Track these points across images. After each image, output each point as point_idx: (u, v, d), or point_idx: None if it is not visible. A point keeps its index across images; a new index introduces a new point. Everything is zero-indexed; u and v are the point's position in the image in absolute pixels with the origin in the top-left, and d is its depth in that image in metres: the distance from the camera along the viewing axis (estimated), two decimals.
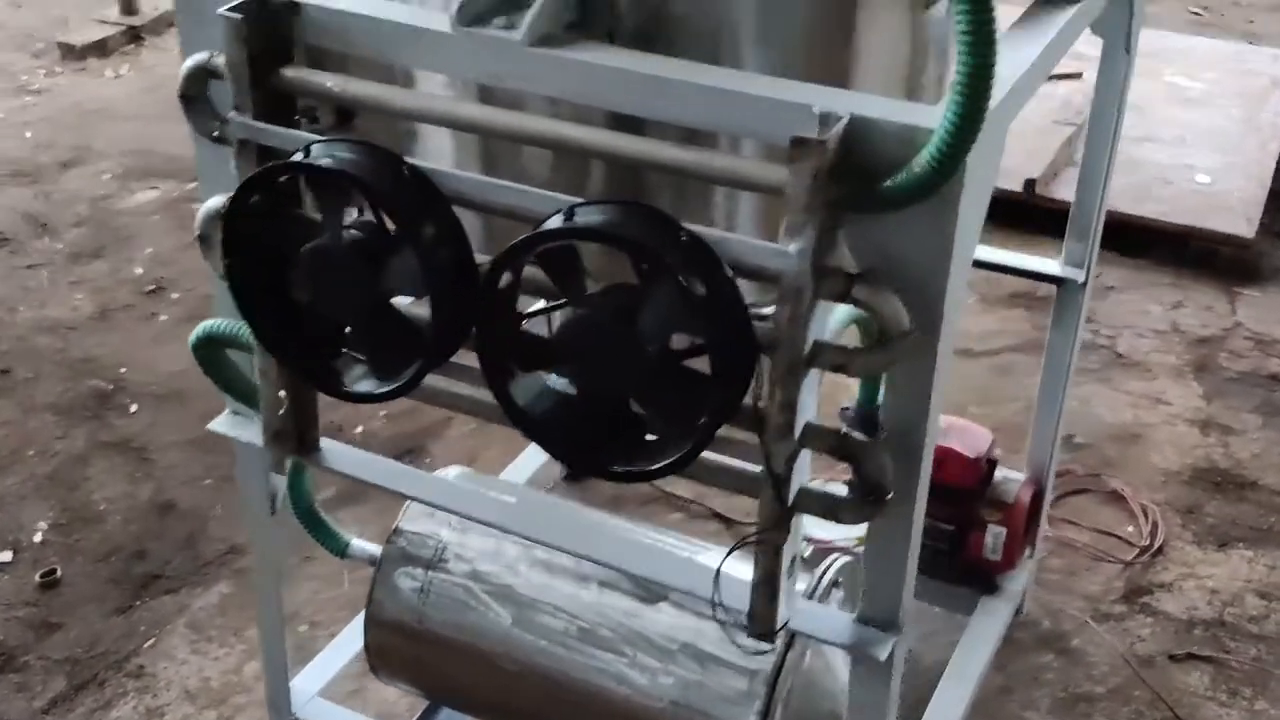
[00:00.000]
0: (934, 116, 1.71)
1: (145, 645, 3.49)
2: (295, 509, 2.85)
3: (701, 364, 1.87)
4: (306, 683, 3.03)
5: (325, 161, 1.94)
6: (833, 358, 1.87)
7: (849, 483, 1.96)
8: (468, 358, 2.03)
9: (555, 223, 1.85)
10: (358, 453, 2.46)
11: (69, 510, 3.93)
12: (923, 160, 1.71)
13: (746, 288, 1.86)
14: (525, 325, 1.97)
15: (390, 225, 1.97)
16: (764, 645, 2.11)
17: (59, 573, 3.71)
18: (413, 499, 2.54)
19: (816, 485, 2.11)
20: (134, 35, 7.07)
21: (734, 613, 2.09)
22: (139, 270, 5.09)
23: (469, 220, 2.10)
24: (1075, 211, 3.04)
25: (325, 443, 2.42)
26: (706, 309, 1.80)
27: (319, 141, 2.00)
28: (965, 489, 3.28)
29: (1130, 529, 3.93)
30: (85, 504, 3.96)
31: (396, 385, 2.06)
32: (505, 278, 1.90)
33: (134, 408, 4.34)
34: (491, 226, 2.11)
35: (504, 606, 2.61)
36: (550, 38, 1.95)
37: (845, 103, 1.78)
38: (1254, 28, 7.54)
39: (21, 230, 5.37)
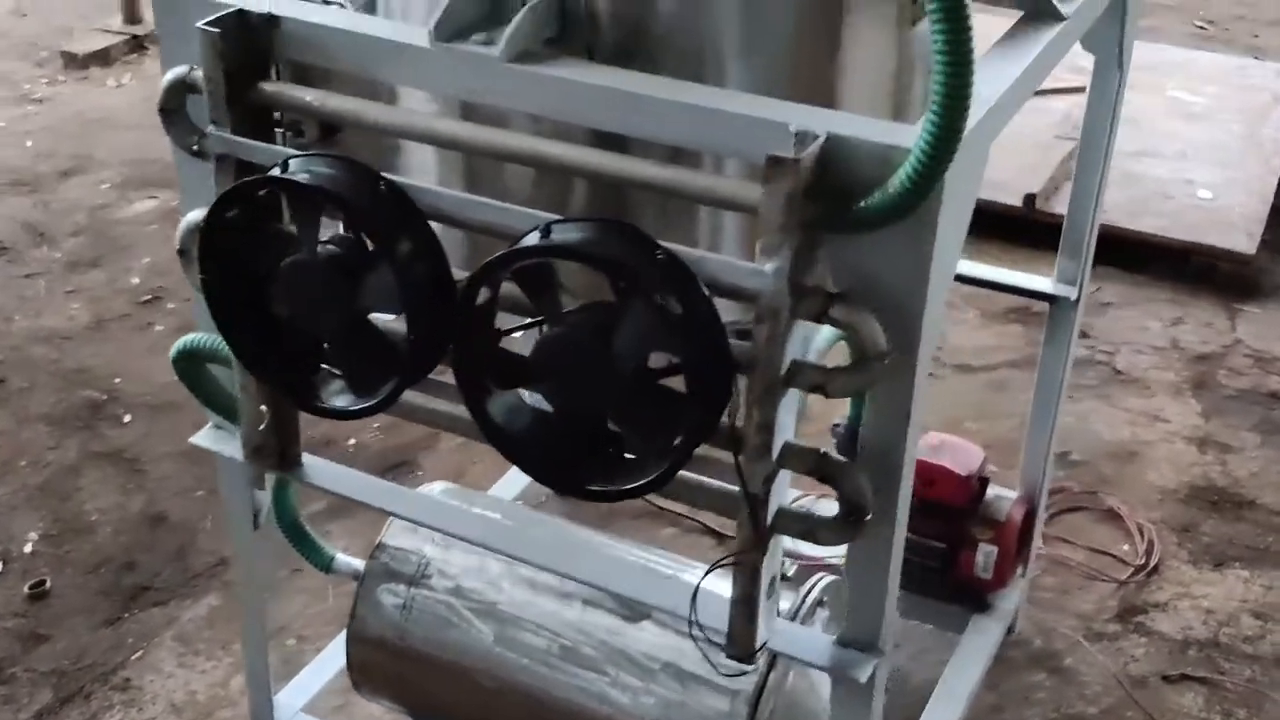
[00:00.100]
0: (911, 136, 1.70)
1: (133, 658, 3.48)
2: (280, 523, 2.83)
3: (679, 383, 1.86)
4: (291, 698, 3.01)
5: (302, 177, 1.93)
6: (811, 378, 1.86)
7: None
8: (447, 374, 2.02)
9: (532, 240, 1.84)
10: (339, 468, 2.45)
11: (60, 521, 3.92)
12: (898, 180, 1.69)
13: (730, 306, 1.85)
14: (503, 343, 1.97)
15: (368, 241, 1.97)
16: (742, 666, 2.10)
17: (48, 584, 3.70)
18: (394, 515, 2.52)
19: (805, 502, 2.10)
20: (137, 44, 7.08)
21: (714, 633, 2.08)
22: (136, 280, 5.09)
23: (452, 236, 2.10)
24: (1068, 228, 3.02)
25: (307, 458, 2.41)
26: (682, 328, 1.79)
27: (297, 156, 1.99)
28: (956, 507, 3.26)
29: (1125, 547, 3.90)
30: (76, 515, 3.94)
31: (373, 402, 2.05)
32: (482, 295, 1.89)
33: (127, 418, 4.33)
34: (475, 243, 2.10)
35: (486, 624, 2.59)
36: (529, 54, 1.94)
37: (822, 121, 1.77)
38: (1258, 42, 7.52)
39: (20, 239, 5.37)
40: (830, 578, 2.55)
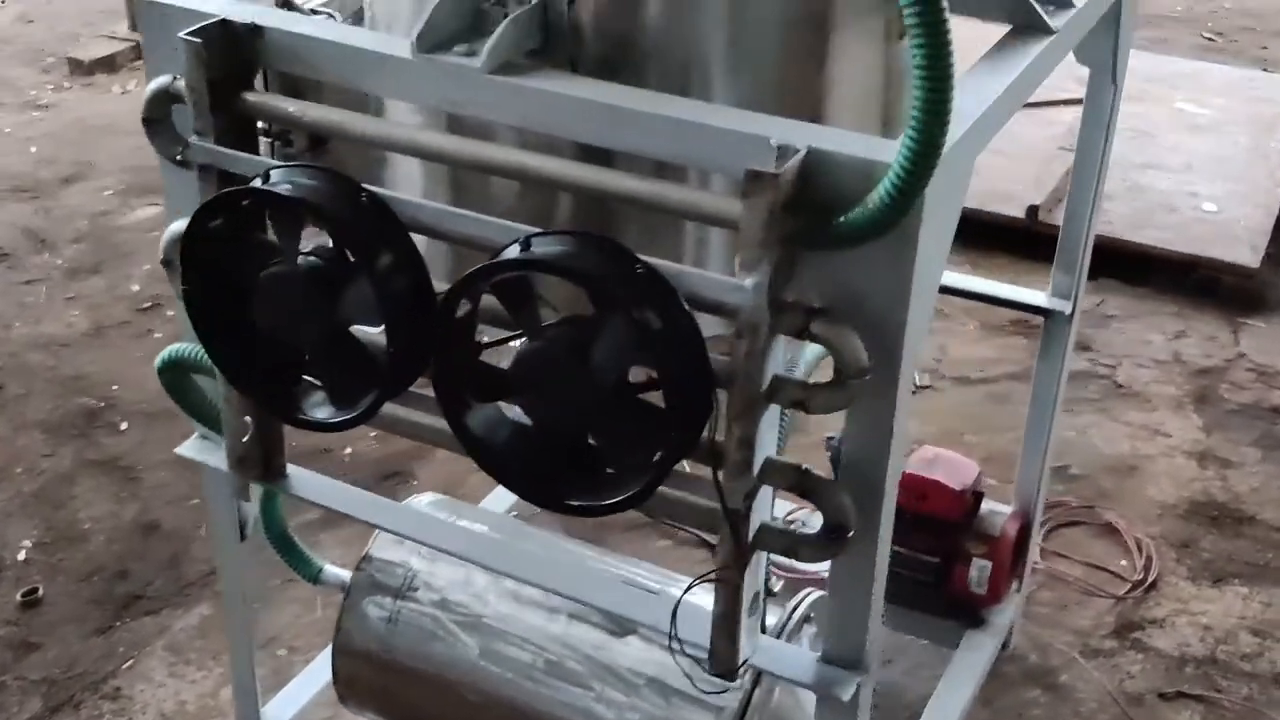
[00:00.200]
0: (893, 151, 1.68)
1: (123, 667, 3.47)
2: (268, 533, 2.83)
3: (660, 398, 1.84)
4: (279, 709, 3.00)
5: (282, 188, 1.92)
6: (791, 394, 1.84)
7: None
8: (429, 387, 2.00)
9: (511, 253, 1.83)
10: (324, 480, 2.44)
11: (53, 529, 3.92)
12: (878, 196, 1.67)
13: (716, 321, 1.83)
14: (483, 356, 1.95)
15: (349, 253, 1.95)
16: (722, 683, 2.08)
17: (41, 592, 3.70)
18: (378, 528, 2.51)
19: (801, 515, 2.08)
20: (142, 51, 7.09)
21: (698, 648, 2.06)
22: (136, 287, 5.09)
23: (438, 249, 2.08)
24: (1063, 242, 3.00)
25: (292, 469, 2.40)
26: (661, 342, 1.77)
27: (278, 167, 1.98)
28: (950, 521, 3.24)
29: (1123, 563, 3.88)
30: (70, 523, 3.94)
31: (353, 415, 2.03)
32: (462, 308, 1.88)
33: (124, 426, 4.33)
34: (461, 255, 2.09)
35: (471, 637, 2.58)
36: (510, 65, 1.93)
37: (803, 135, 1.75)
38: (1266, 54, 7.49)
39: (21, 246, 5.38)
40: (818, 593, 2.53)
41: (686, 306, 1.78)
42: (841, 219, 1.72)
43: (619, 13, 1.99)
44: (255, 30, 2.05)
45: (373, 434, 4.24)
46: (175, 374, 2.39)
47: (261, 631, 3.53)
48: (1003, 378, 4.66)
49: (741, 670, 2.07)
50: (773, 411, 1.89)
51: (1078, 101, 2.71)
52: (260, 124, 2.18)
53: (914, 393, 4.59)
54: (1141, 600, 3.74)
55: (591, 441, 1.90)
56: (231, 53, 2.03)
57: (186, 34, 1.98)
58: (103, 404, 4.42)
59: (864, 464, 1.93)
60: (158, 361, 2.38)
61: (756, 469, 1.87)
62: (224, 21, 2.03)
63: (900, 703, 3.33)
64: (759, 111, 1.88)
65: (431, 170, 2.18)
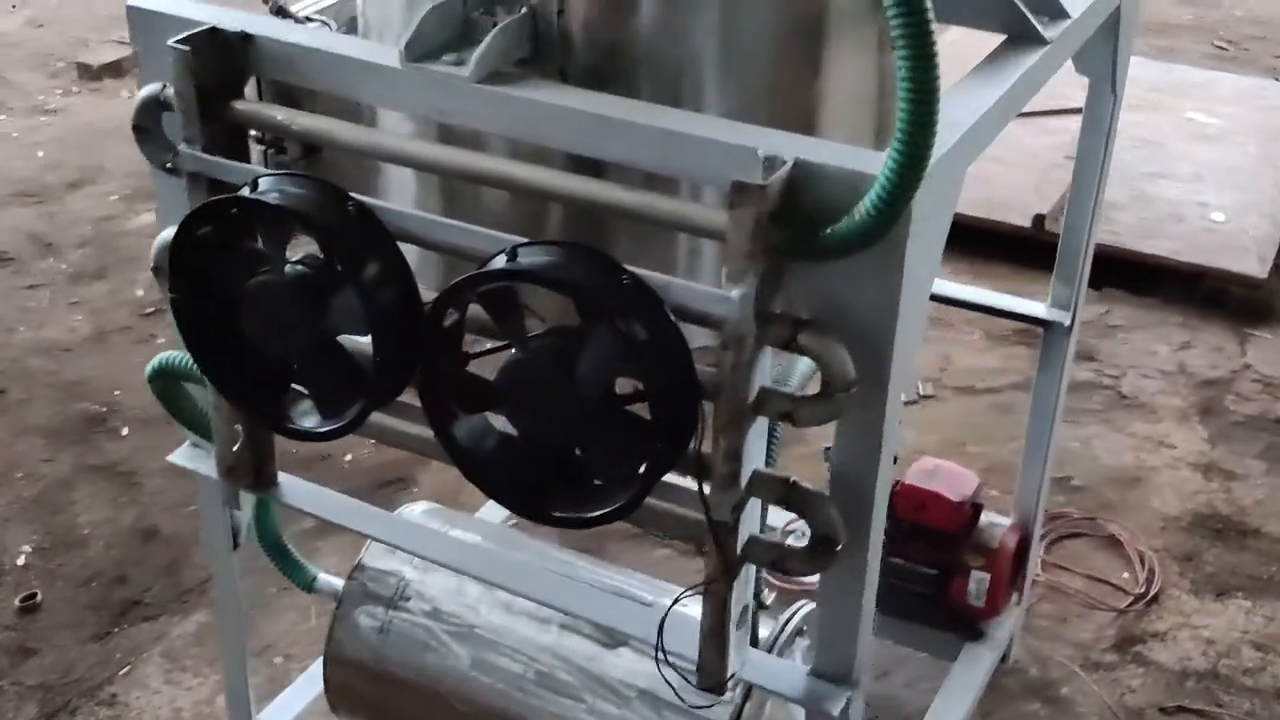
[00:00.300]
0: (879, 163, 1.66)
1: (120, 673, 3.47)
2: (262, 541, 2.81)
3: (647, 409, 1.83)
4: (273, 718, 2.99)
5: (270, 197, 1.92)
6: (779, 405, 1.83)
7: None
8: (417, 396, 1.99)
9: (498, 263, 1.82)
10: (315, 488, 2.43)
11: (52, 534, 3.92)
12: (864, 208, 1.66)
13: (705, 332, 1.82)
14: (471, 366, 1.94)
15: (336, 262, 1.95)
16: (709, 698, 2.06)
17: (39, 597, 3.69)
18: (369, 537, 2.50)
19: (801, 525, 2.06)
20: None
21: (687, 661, 2.05)
22: (139, 292, 5.09)
23: (431, 258, 2.08)
24: (1062, 253, 2.98)
25: (283, 478, 2.40)
26: (647, 354, 1.76)
27: (266, 175, 1.97)
28: (949, 533, 3.22)
29: (1125, 575, 3.85)
30: (69, 528, 3.94)
31: (341, 424, 2.03)
32: (449, 319, 1.87)
33: (124, 431, 4.33)
34: (453, 265, 2.08)
35: (463, 647, 2.57)
36: (499, 75, 1.92)
37: (791, 146, 1.74)
38: (1278, 63, 7.45)
39: (25, 250, 5.39)
40: (811, 605, 2.51)
41: (673, 318, 1.77)
42: (828, 230, 1.71)
43: (609, 22, 1.98)
44: (245, 38, 2.04)
45: (372, 441, 4.23)
46: (166, 382, 2.38)
47: (258, 639, 3.53)
48: (1006, 388, 4.64)
49: (731, 684, 2.06)
50: (761, 423, 1.87)
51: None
52: (254, 131, 2.18)
53: (916, 402, 4.58)
54: (1143, 613, 3.72)
55: (578, 453, 1.89)
56: (221, 61, 2.03)
57: (175, 42, 1.98)
58: (104, 409, 4.42)
59: (853, 477, 1.91)
60: (148, 369, 2.38)
61: (744, 481, 1.86)
62: (214, 30, 2.02)
63: (899, 715, 3.31)
64: (752, 121, 1.87)
65: (424, 178, 2.17)
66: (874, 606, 2.08)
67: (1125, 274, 5.23)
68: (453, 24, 1.98)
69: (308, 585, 2.92)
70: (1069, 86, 2.74)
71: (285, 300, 1.95)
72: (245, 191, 1.94)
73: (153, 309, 4.97)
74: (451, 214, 2.11)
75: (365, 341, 1.96)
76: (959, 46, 2.14)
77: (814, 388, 1.92)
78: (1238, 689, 3.48)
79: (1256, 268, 5.15)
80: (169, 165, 2.12)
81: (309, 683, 3.04)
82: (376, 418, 2.07)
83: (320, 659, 3.06)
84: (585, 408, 1.80)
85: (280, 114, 2.05)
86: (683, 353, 1.78)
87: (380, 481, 4.10)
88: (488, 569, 2.31)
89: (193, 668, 3.48)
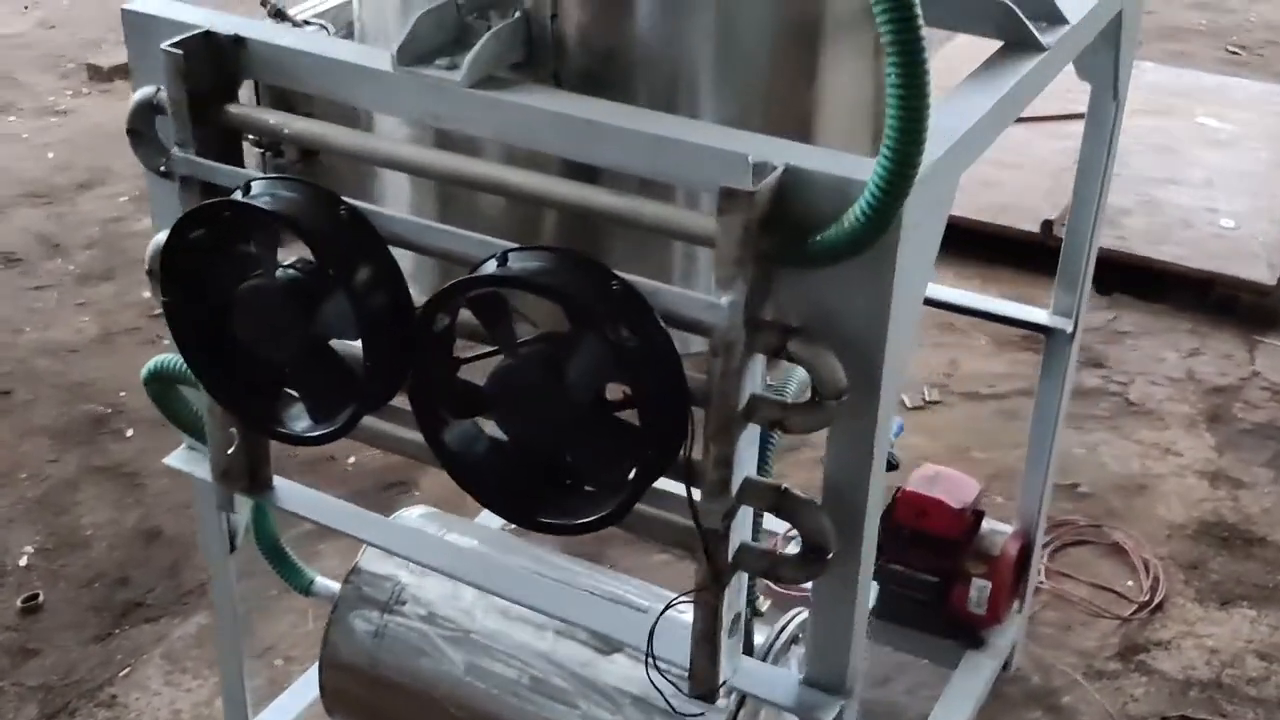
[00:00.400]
0: (869, 169, 1.65)
1: (120, 674, 3.47)
2: (260, 545, 2.81)
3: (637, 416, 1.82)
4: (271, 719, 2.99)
5: (261, 201, 1.91)
6: (769, 413, 1.82)
7: None
8: (408, 401, 1.99)
9: (488, 268, 1.81)
10: (311, 492, 2.43)
11: (55, 535, 3.92)
12: (853, 215, 1.65)
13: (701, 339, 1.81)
14: (464, 371, 1.93)
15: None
16: (703, 705, 2.06)
17: (41, 598, 3.70)
18: (364, 542, 2.49)
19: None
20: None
21: (679, 669, 2.04)
22: (146, 294, 5.07)
23: (428, 263, 2.07)
24: (1064, 260, 2.96)
25: (279, 481, 2.39)
26: (636, 360, 1.75)
27: (259, 179, 1.97)
28: (950, 540, 3.20)
29: (1130, 583, 3.83)
30: (72, 529, 3.95)
31: (332, 428, 2.02)
32: (439, 324, 1.86)
33: (129, 433, 4.34)
34: (450, 271, 2.07)
35: (457, 652, 2.56)
36: (492, 79, 1.92)
37: (781, 152, 1.73)
38: None
39: (33, 251, 5.40)
40: (806, 613, 2.49)
41: (662, 324, 1.76)
42: (817, 237, 1.70)
43: (602, 26, 1.97)
44: (238, 42, 2.04)
45: None
46: (161, 385, 2.38)
47: (258, 641, 3.53)
48: (1013, 393, 4.61)
49: (724, 691, 2.05)
50: (752, 430, 1.86)
51: None
52: (252, 135, 2.18)
53: (922, 407, 4.56)
54: (1147, 622, 3.70)
55: (568, 459, 1.88)
56: (214, 64, 2.02)
57: (168, 45, 1.98)
58: (109, 410, 4.43)
59: (845, 485, 1.90)
60: (143, 372, 2.38)
61: (735, 489, 1.85)
62: (207, 33, 2.02)
63: None
64: (748, 127, 1.86)
65: (419, 182, 2.17)
66: (867, 615, 2.06)
67: (1134, 280, 5.21)
68: (447, 28, 1.97)
69: (305, 588, 2.92)
70: (1082, 91, 2.72)
71: (277, 304, 1.94)
72: (237, 195, 1.94)
73: (159, 311, 4.96)
74: (448, 218, 2.11)
75: (357, 346, 1.96)
76: (964, 53, 2.13)
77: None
78: (1241, 699, 3.46)
79: (1266, 274, 5.12)
80: (162, 169, 2.12)
81: (306, 686, 3.04)
82: (369, 422, 2.06)
83: (316, 663, 3.06)
84: (574, 414, 1.79)
85: (273, 118, 2.05)
86: (672, 359, 1.77)
87: (383, 484, 4.09)
88: (481, 574, 2.30)
89: (193, 669, 3.48)
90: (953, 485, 3.24)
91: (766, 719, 2.44)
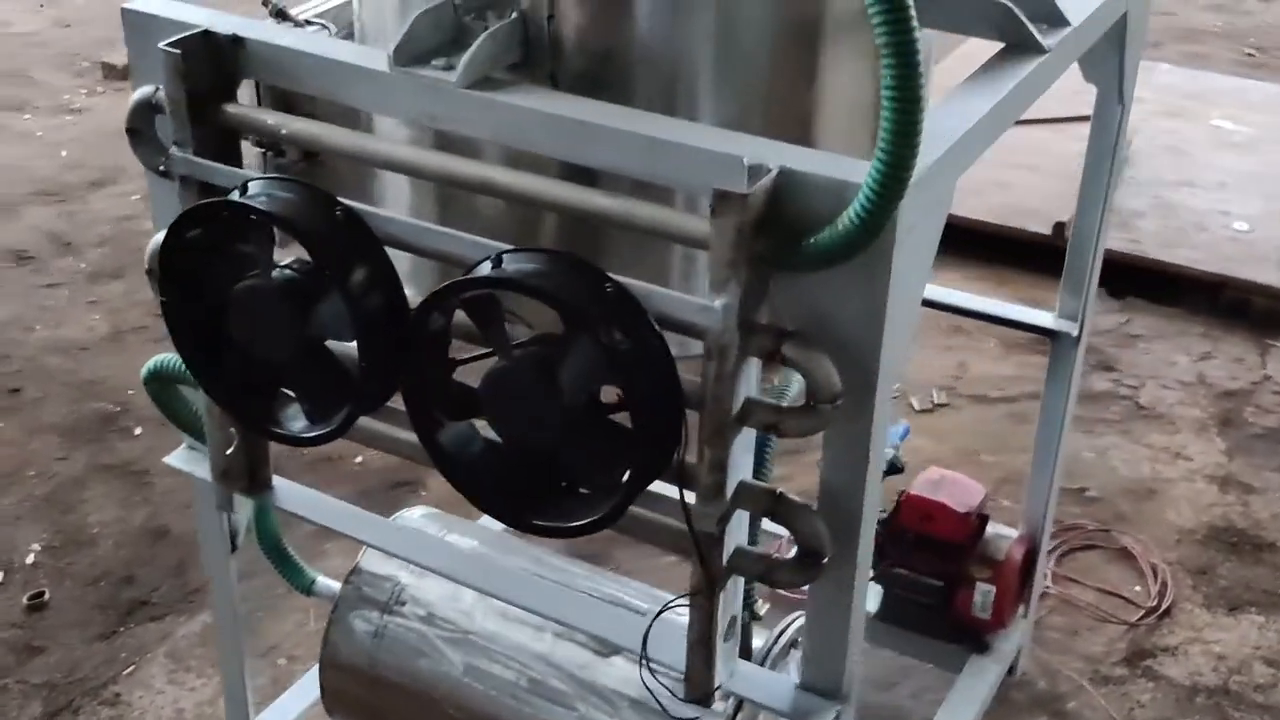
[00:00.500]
0: (864, 172, 1.64)
1: (124, 673, 3.47)
2: (261, 544, 2.82)
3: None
4: (272, 719, 2.99)
5: (257, 202, 1.91)
6: (764, 417, 1.81)
7: None
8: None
9: (483, 270, 1.81)
10: (311, 492, 2.43)
11: (62, 533, 3.93)
12: (846, 219, 1.64)
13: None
14: (460, 372, 1.93)
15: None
16: (698, 709, 2.05)
17: (47, 595, 3.71)
18: (363, 543, 2.49)
19: None
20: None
21: (676, 673, 2.03)
22: None
23: (426, 264, 2.07)
24: (1069, 264, 2.94)
25: (279, 481, 2.39)
26: (630, 362, 1.74)
27: (256, 179, 1.97)
28: (954, 544, 3.18)
29: (1138, 588, 3.81)
30: (79, 527, 3.95)
31: (328, 429, 2.02)
32: (433, 325, 1.86)
33: (138, 431, 4.34)
34: (449, 273, 2.07)
35: (456, 653, 2.55)
36: (488, 80, 1.91)
37: (776, 154, 1.72)
38: None
39: (45, 249, 5.42)
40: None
41: (656, 327, 1.75)
42: (811, 241, 1.69)
43: (599, 27, 1.97)
44: (237, 42, 2.04)
45: None
46: (160, 385, 2.39)
47: (263, 640, 3.53)
48: (1022, 397, 4.59)
49: (719, 695, 2.04)
50: (747, 434, 1.86)
51: None
52: (249, 135, 2.18)
53: (930, 410, 4.54)
54: (1155, 627, 3.67)
55: (562, 461, 1.87)
56: (213, 64, 2.02)
57: (166, 45, 1.98)
58: (118, 408, 4.44)
59: (841, 489, 1.89)
60: (143, 372, 2.38)
61: (730, 492, 1.84)
62: (206, 33, 2.02)
63: None
64: (747, 128, 1.85)
65: (419, 183, 2.17)
66: (864, 619, 2.05)
67: (1147, 283, 5.18)
68: (444, 29, 1.97)
69: (306, 588, 2.92)
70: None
71: (273, 304, 1.94)
72: (234, 195, 1.94)
73: None
74: (448, 219, 2.11)
75: (353, 347, 1.96)
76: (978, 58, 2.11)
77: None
78: (1248, 705, 3.43)
79: (1278, 278, 5.08)
80: (161, 168, 2.12)
81: (308, 686, 3.04)
82: (365, 422, 2.06)
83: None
84: (568, 416, 1.79)
85: (270, 118, 2.05)
86: (665, 362, 1.76)
87: (390, 484, 4.09)
88: (478, 576, 2.30)
89: (196, 668, 3.48)
90: (957, 489, 3.22)
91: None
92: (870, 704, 3.40)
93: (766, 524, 1.98)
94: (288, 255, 1.99)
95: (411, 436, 2.00)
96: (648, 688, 1.99)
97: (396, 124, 2.15)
